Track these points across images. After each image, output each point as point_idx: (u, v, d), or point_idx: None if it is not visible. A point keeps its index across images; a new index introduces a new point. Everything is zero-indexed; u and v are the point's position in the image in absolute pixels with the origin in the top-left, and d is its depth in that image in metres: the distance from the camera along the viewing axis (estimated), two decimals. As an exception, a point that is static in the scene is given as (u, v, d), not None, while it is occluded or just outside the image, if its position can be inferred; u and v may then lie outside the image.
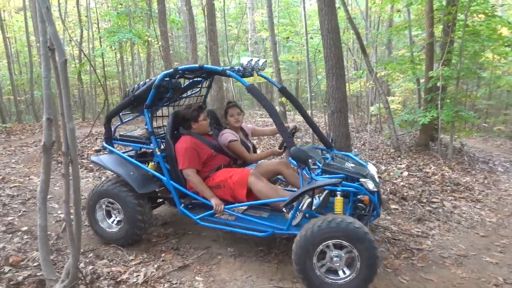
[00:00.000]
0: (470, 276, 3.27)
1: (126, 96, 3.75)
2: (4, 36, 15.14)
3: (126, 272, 3.11)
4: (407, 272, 3.27)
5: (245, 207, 3.53)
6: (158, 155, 3.46)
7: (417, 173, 6.55)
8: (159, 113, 4.03)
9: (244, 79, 3.27)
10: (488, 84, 13.58)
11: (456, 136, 8.66)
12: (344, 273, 2.74)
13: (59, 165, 6.31)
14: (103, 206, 3.66)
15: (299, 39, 14.13)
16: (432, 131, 8.76)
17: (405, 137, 10.44)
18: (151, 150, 3.79)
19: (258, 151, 4.45)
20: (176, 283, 3.03)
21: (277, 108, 10.42)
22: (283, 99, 10.52)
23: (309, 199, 2.98)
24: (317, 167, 3.20)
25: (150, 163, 3.66)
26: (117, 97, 19.70)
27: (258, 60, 3.37)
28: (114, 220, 3.68)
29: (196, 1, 18.70)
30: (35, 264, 3.07)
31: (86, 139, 8.65)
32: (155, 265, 3.28)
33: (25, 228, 3.81)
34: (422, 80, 9.54)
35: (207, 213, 3.38)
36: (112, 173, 3.81)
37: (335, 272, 2.77)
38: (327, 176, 3.07)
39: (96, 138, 8.98)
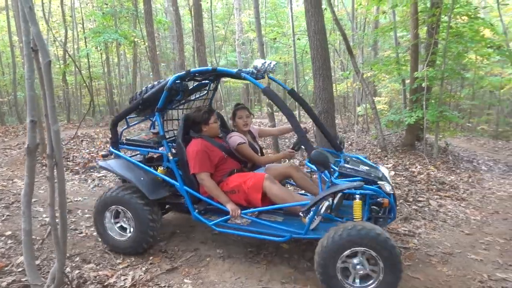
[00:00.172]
0: (456, 274, 3.32)
1: (133, 100, 3.65)
2: (-15, 36, 14.84)
3: (113, 276, 3.07)
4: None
5: (257, 212, 3.43)
6: (170, 159, 3.35)
7: (404, 173, 6.63)
8: (165, 116, 3.92)
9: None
10: (471, 84, 13.85)
11: (441, 136, 8.80)
12: (368, 280, 2.70)
13: (44, 168, 6.21)
14: (112, 214, 3.52)
15: (286, 40, 14.19)
16: (417, 131, 8.88)
17: (392, 137, 10.57)
18: (157, 155, 3.71)
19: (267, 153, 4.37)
20: (164, 286, 3.01)
21: (265, 109, 10.43)
22: (271, 100, 10.51)
23: (328, 203, 2.94)
24: (333, 170, 3.14)
25: (159, 168, 3.54)
26: (103, 98, 19.49)
27: (270, 62, 3.31)
28: (124, 228, 3.54)
29: (183, 1, 18.61)
30: (20, 269, 3.01)
31: (72, 141, 8.52)
32: (143, 268, 3.25)
33: (9, 233, 3.74)
34: (407, 81, 9.67)
35: (222, 218, 3.29)
36: (118, 177, 3.71)
37: (361, 279, 2.71)
38: (346, 179, 3.01)
39: (82, 140, 8.87)
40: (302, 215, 3.03)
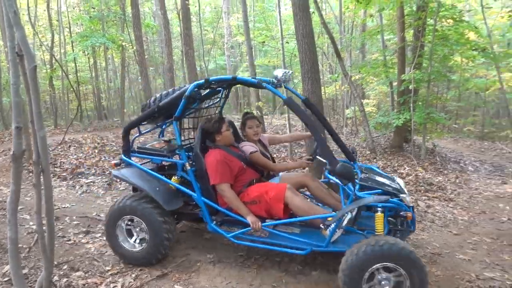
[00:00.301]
0: (445, 274, 3.35)
1: (145, 107, 3.58)
2: (-31, 41, 14.57)
3: (102, 284, 3.03)
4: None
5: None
6: (188, 169, 3.29)
7: (392, 174, 6.69)
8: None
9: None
10: (457, 86, 14.07)
11: (428, 137, 8.92)
12: None
13: (31, 174, 6.11)
14: (124, 224, 3.42)
15: (275, 43, 14.26)
16: (405, 133, 8.98)
17: (380, 139, 10.67)
18: (169, 163, 3.64)
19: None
20: (154, 293, 2.98)
21: (254, 112, 10.43)
22: (260, 103, 10.55)
23: (350, 216, 2.90)
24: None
25: (173, 177, 3.46)
26: (91, 103, 19.29)
27: (288, 71, 3.27)
28: (136, 238, 3.44)
29: (171, 5, 18.56)
30: (6, 279, 2.95)
31: (59, 147, 8.40)
32: (133, 275, 3.22)
33: (-6, 241, 3.66)
34: (395, 83, 9.78)
35: (242, 230, 3.22)
36: (128, 184, 3.61)
37: None
38: (369, 192, 2.96)
39: (69, 146, 8.75)
40: (323, 227, 2.98)
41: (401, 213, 2.96)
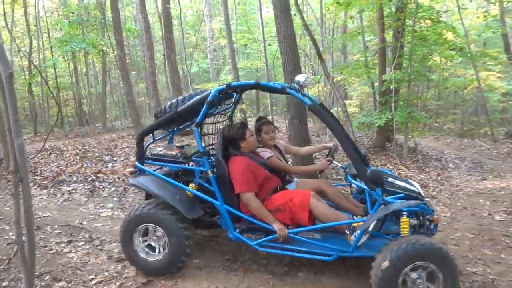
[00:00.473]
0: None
1: (159, 114, 3.49)
2: None
3: (86, 293, 2.97)
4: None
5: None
6: (211, 176, 3.21)
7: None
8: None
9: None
10: (437, 85, 14.36)
11: (410, 136, 9.07)
12: None
13: (9, 183, 5.95)
14: (141, 233, 3.31)
15: (258, 46, 14.30)
16: (388, 132, 9.11)
17: (363, 138, 10.79)
18: (182, 170, 3.56)
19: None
20: (140, 300, 2.93)
21: (237, 115, 10.43)
22: (244, 105, 10.55)
23: (376, 221, 2.91)
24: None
25: (190, 185, 3.35)
26: (72, 109, 18.97)
27: (309, 77, 3.27)
28: (155, 247, 3.34)
29: (152, 9, 18.42)
30: (-15, 291, 2.86)
31: (39, 155, 8.22)
32: (117, 283, 3.16)
33: (-28, 254, 3.56)
34: (376, 84, 9.93)
35: (267, 238, 3.16)
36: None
37: None
38: (394, 196, 2.95)
39: (50, 153, 8.57)
40: (348, 233, 2.96)
41: (427, 216, 2.99)
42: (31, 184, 6.18)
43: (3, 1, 13.40)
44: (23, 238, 2.41)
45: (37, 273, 3.21)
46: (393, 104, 8.07)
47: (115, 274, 3.33)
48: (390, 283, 2.63)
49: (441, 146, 11.24)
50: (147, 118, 17.39)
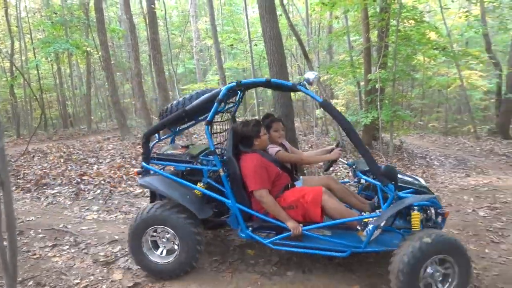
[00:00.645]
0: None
1: (164, 113, 3.42)
2: None
3: (71, 298, 2.92)
4: (359, 267, 3.38)
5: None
6: (222, 175, 3.15)
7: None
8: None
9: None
10: (421, 84, 14.59)
11: (395, 135, 9.18)
12: (440, 286, 2.73)
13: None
14: (150, 235, 3.23)
15: (244, 46, 14.29)
16: (374, 131, 9.21)
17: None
18: (188, 170, 3.48)
19: None
20: (127, 304, 2.89)
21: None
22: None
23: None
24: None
25: (199, 184, 3.27)
26: (56, 111, 18.66)
27: (318, 74, 3.23)
28: (163, 250, 3.26)
29: (137, 9, 18.24)
30: (-35, 299, 2.79)
31: (22, 158, 8.07)
32: (103, 287, 3.11)
33: (-48, 260, 3.45)
34: (362, 83, 10.02)
35: (281, 236, 3.11)
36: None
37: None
38: (405, 191, 2.99)
39: (33, 156, 8.41)
40: (359, 228, 2.98)
41: (438, 210, 3.02)
42: (14, 188, 6.05)
43: (-17, 2, 13.11)
44: (4, 243, 2.36)
45: (20, 279, 3.14)
46: (378, 103, 8.16)
47: (101, 278, 3.27)
48: (412, 277, 2.62)
49: (426, 144, 11.41)
50: (133, 119, 17.24)
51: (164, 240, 3.24)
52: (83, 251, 3.85)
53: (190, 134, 9.85)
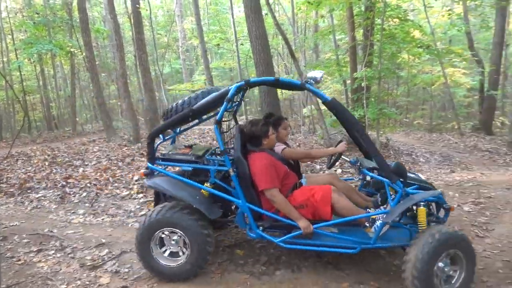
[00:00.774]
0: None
1: (168, 113, 3.34)
2: None
3: (57, 303, 2.87)
4: (347, 265, 3.40)
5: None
6: (232, 175, 3.12)
7: (350, 169, 6.88)
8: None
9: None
10: (406, 82, 14.76)
11: (381, 132, 9.26)
12: (451, 280, 2.82)
13: (-27, 192, 5.69)
14: (159, 238, 3.17)
15: (230, 45, 14.25)
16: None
17: (337, 135, 10.92)
18: (194, 170, 3.42)
19: None
20: (115, 308, 2.86)
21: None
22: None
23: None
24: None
25: (206, 184, 3.24)
26: (39, 113, 18.34)
27: (325, 73, 3.23)
28: (172, 252, 3.20)
29: (121, 9, 18.03)
30: None
31: (5, 161, 7.90)
32: (91, 291, 3.07)
33: None
34: (348, 81, 10.09)
35: (291, 235, 3.11)
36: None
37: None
38: (412, 188, 3.03)
39: (17, 159, 8.25)
40: (368, 225, 3.04)
41: (443, 205, 3.08)
42: (-4, 192, 5.93)
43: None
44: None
45: (4, 286, 3.07)
46: (364, 101, 8.22)
47: (88, 282, 3.23)
48: (427, 273, 2.68)
49: (412, 141, 11.56)
50: (119, 120, 17.05)
51: (173, 242, 3.18)
52: (69, 255, 3.79)
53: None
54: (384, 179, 2.98)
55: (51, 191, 6.02)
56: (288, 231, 3.16)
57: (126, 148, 9.21)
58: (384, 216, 2.94)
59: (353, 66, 9.11)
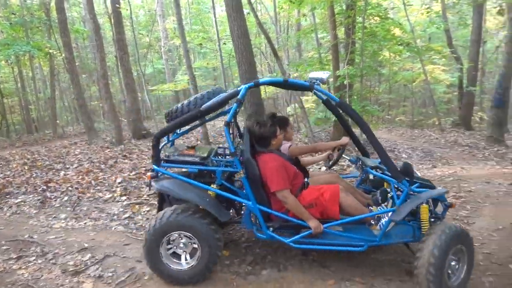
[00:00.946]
0: (386, 258, 3.52)
1: (171, 114, 3.28)
2: None
3: (38, 311, 2.80)
4: (333, 262, 3.42)
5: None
6: (243, 178, 3.09)
7: (334, 167, 6.93)
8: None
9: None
10: (387, 79, 14.98)
11: (365, 129, 9.35)
12: (455, 273, 2.92)
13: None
14: (167, 242, 3.11)
15: (213, 45, 14.18)
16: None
17: (321, 133, 11.02)
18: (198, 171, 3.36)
19: None
20: (98, 313, 2.80)
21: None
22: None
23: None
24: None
25: (212, 185, 3.21)
26: (18, 116, 17.90)
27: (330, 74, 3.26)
28: (181, 256, 3.15)
29: (101, 9, 17.73)
30: None
31: (-17, 166, 7.68)
32: (73, 297, 3.00)
33: None
34: (331, 79, 10.16)
35: (301, 235, 3.11)
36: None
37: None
38: (415, 186, 3.10)
39: (-5, 164, 8.03)
40: (373, 223, 3.14)
41: (445, 202, 3.20)
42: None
43: None
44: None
45: (-18, 295, 2.98)
46: (347, 99, 8.29)
47: (70, 288, 3.16)
48: (441, 269, 2.76)
49: (394, 137, 11.72)
50: (101, 122, 16.80)
51: (181, 246, 3.14)
52: (51, 261, 3.70)
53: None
54: (390, 178, 3.07)
55: (31, 195, 5.87)
56: (295, 231, 3.19)
57: (109, 150, 9.07)
58: (392, 214, 3.00)
59: (335, 64, 9.18)
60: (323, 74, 3.18)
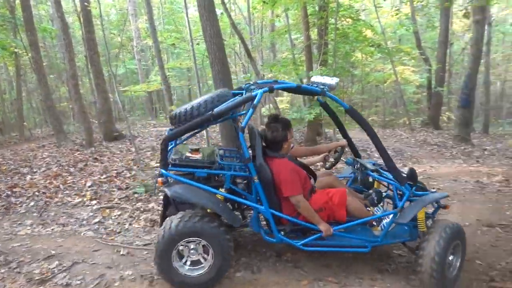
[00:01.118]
0: (358, 256, 3.57)
1: (178, 119, 3.17)
2: None
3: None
4: (306, 263, 3.43)
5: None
6: (256, 183, 3.03)
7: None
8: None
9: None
10: (360, 80, 15.26)
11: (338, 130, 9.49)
12: (451, 266, 3.09)
13: None
14: (178, 249, 3.02)
15: (186, 45, 14.03)
16: (318, 127, 9.44)
17: (296, 133, 11.09)
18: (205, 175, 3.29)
19: None
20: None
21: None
22: (173, 107, 10.31)
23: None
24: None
25: (220, 189, 3.16)
26: (-18, 118, 17.10)
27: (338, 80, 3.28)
28: (193, 261, 3.08)
29: (70, 7, 17.19)
30: None
31: None
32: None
33: None
34: (305, 80, 10.24)
35: (311, 238, 3.16)
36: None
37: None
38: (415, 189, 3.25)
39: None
40: (375, 224, 3.30)
41: (439, 204, 3.38)
42: None
43: None
44: None
45: None
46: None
47: (37, 298, 3.03)
48: (443, 264, 2.91)
49: (367, 137, 11.90)
50: (71, 124, 16.28)
51: (192, 251, 3.07)
52: (15, 270, 3.53)
53: (134, 138, 9.47)
54: (392, 182, 3.22)
55: (-5, 202, 5.60)
56: (303, 234, 3.24)
57: (79, 152, 8.78)
58: (398, 217, 3.12)
59: (308, 65, 9.26)
60: (331, 80, 3.23)
